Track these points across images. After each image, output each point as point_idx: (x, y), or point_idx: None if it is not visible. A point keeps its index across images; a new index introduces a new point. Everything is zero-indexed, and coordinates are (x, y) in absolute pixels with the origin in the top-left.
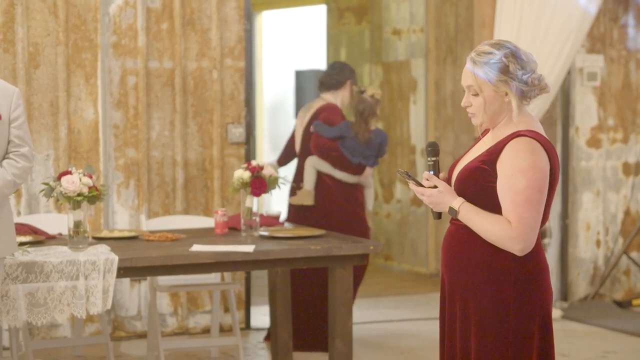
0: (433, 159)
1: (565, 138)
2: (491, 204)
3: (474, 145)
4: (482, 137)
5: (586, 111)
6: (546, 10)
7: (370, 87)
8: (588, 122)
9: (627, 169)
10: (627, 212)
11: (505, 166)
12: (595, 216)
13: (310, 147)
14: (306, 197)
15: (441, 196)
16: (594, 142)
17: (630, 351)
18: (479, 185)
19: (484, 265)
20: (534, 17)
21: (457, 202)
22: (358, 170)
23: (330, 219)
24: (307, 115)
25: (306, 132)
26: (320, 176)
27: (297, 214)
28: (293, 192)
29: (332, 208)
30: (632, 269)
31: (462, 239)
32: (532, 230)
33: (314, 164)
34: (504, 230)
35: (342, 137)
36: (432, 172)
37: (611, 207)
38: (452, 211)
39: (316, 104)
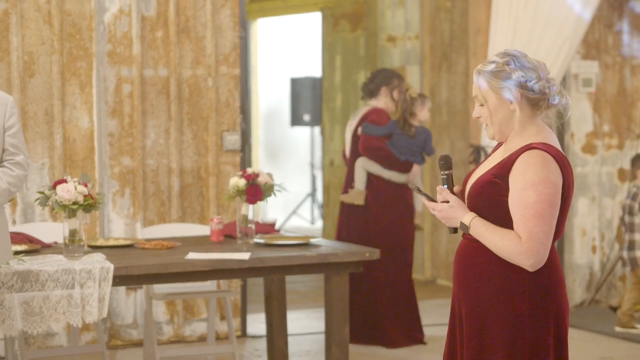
0: (446, 172)
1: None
2: (503, 218)
3: (488, 157)
4: (496, 149)
5: (581, 117)
6: (541, 16)
7: (412, 88)
8: (583, 128)
9: (622, 175)
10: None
11: (516, 180)
12: (591, 222)
13: (359, 148)
14: (357, 196)
15: (452, 211)
16: (589, 148)
17: (626, 357)
18: (491, 200)
19: (497, 278)
20: (528, 23)
21: (468, 217)
22: (406, 168)
23: (377, 221)
24: (354, 121)
25: (354, 136)
26: (370, 178)
27: (348, 212)
28: (345, 190)
29: (379, 210)
30: (628, 275)
31: (474, 252)
32: (542, 245)
33: (364, 165)
34: (513, 245)
35: (390, 134)
36: (445, 186)
37: (607, 213)
38: (464, 226)
39: (363, 110)
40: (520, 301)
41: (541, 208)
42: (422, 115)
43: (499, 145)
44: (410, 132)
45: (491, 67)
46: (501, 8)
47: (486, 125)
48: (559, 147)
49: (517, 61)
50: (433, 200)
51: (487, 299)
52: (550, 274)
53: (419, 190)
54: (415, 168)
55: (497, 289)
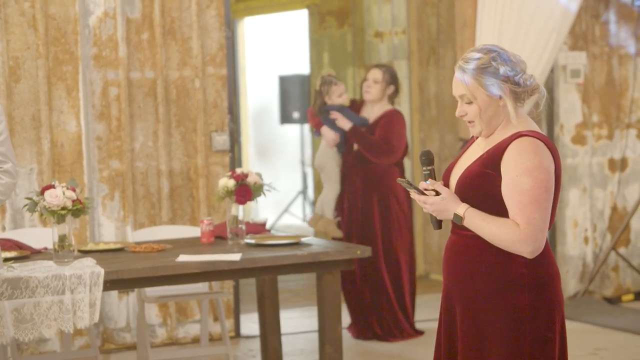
0: (429, 167)
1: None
2: (497, 208)
3: (466, 149)
4: (474, 141)
5: (570, 108)
6: (527, 8)
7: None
8: (573, 119)
9: (612, 165)
10: (614, 208)
11: (509, 167)
12: (582, 213)
13: None
14: None
15: (445, 203)
16: (579, 139)
17: (621, 347)
18: (484, 190)
19: (495, 274)
20: (515, 15)
21: (462, 208)
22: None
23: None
24: None
25: None
26: None
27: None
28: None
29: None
30: (621, 265)
31: (467, 249)
32: (541, 231)
33: None
34: (512, 233)
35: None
36: (428, 182)
37: (598, 204)
38: (457, 218)
39: None
40: (519, 295)
41: (537, 194)
42: (334, 101)
43: (474, 137)
44: (322, 114)
45: (476, 63)
46: (487, 1)
47: (471, 122)
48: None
49: (501, 56)
50: (423, 193)
51: (484, 294)
52: (547, 267)
53: (410, 184)
54: (325, 130)
55: (495, 284)
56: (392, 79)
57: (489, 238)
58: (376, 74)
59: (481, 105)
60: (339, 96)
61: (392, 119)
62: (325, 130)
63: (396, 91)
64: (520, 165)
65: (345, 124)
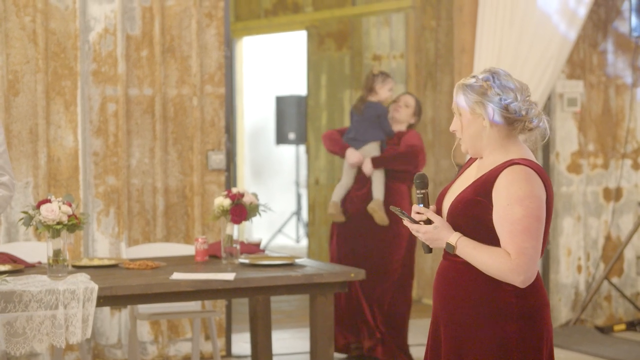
0: (422, 191)
1: (545, 163)
2: (488, 236)
3: (460, 174)
4: (468, 166)
5: (566, 137)
6: (526, 36)
7: (375, 67)
8: (568, 148)
9: (607, 194)
10: (608, 238)
11: (501, 196)
12: (576, 241)
13: None
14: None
15: (437, 232)
16: (574, 168)
17: None
18: (475, 218)
19: (484, 302)
20: (513, 43)
21: (454, 237)
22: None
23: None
24: None
25: None
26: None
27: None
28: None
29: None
30: (614, 295)
31: (458, 275)
32: (532, 260)
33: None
34: (503, 262)
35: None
36: (421, 205)
37: (592, 233)
38: (450, 247)
39: None
40: (508, 325)
41: (528, 223)
42: (382, 93)
43: (470, 162)
44: (359, 110)
45: (471, 81)
46: (486, 28)
47: (460, 138)
48: (538, 163)
49: (497, 79)
50: (416, 222)
51: (471, 322)
52: (537, 297)
53: (402, 213)
54: (349, 152)
55: (484, 312)
56: (419, 110)
57: (480, 267)
58: (409, 100)
59: (464, 121)
60: (389, 90)
61: (416, 135)
62: (350, 153)
63: (417, 122)
64: (511, 194)
65: (367, 168)
